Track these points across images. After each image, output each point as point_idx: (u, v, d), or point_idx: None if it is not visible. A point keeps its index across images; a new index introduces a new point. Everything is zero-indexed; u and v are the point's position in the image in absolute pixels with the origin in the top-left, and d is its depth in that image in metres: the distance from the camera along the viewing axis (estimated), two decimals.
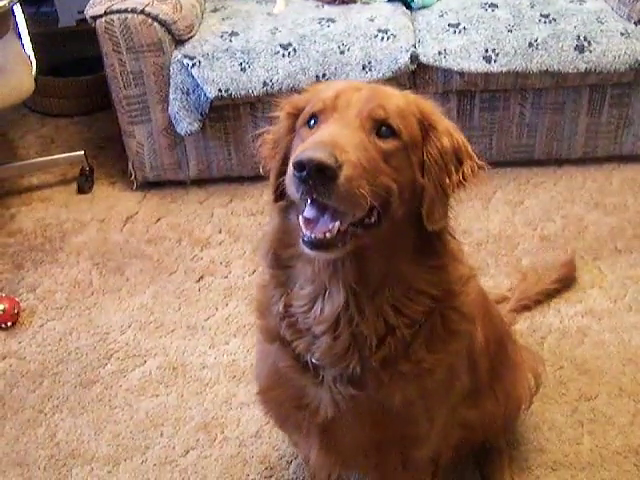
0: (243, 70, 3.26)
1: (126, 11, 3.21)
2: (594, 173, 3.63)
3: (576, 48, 3.25)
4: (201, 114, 3.34)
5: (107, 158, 3.93)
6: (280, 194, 1.52)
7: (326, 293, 1.50)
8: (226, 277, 3.11)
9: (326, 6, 3.60)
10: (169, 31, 3.27)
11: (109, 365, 2.74)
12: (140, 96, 3.39)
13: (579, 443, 2.38)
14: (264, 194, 3.56)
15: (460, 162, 1.51)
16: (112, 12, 3.21)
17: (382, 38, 3.29)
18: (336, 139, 1.32)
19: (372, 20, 3.40)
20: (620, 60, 3.26)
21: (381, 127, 1.40)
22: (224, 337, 2.83)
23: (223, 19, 3.53)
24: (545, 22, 3.32)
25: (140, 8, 3.21)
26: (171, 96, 3.33)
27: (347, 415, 1.65)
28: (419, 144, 1.46)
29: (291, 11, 3.57)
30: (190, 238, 3.34)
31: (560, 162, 3.68)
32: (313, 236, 1.35)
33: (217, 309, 2.96)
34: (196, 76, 3.25)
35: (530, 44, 3.26)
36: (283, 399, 1.74)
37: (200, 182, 3.68)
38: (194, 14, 3.40)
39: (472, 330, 1.73)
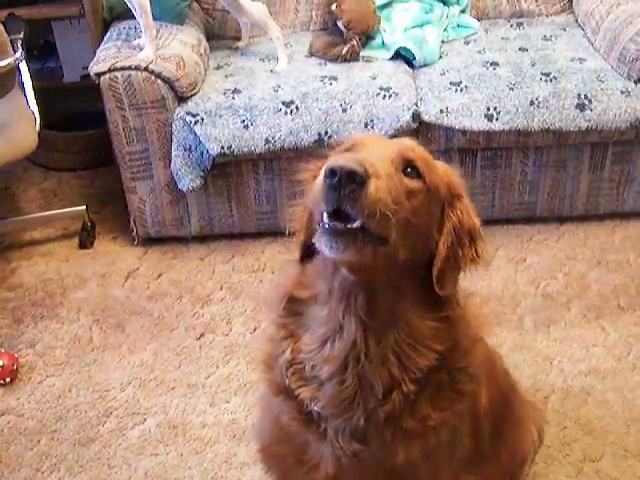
0: (246, 127, 3.28)
1: (130, 68, 3.24)
2: (596, 230, 3.64)
3: (577, 106, 3.28)
4: (203, 171, 3.36)
5: (109, 213, 3.94)
6: (304, 252, 1.59)
7: (337, 333, 1.52)
8: (227, 335, 3.11)
9: (328, 64, 3.63)
10: (172, 88, 3.30)
11: (108, 423, 2.73)
12: (142, 152, 3.41)
13: None
14: (265, 251, 3.59)
15: (473, 240, 1.56)
16: (116, 69, 3.24)
17: (384, 96, 3.32)
18: (367, 158, 1.36)
19: (374, 78, 3.44)
20: (621, 118, 3.28)
21: (407, 167, 1.45)
22: (225, 395, 2.82)
23: (226, 76, 3.57)
24: (546, 80, 3.35)
25: (144, 65, 3.24)
26: (173, 153, 3.35)
27: (349, 473, 1.64)
28: (441, 202, 1.52)
29: (293, 69, 3.60)
30: (191, 295, 3.34)
31: (562, 219, 3.69)
32: (334, 225, 1.34)
33: (218, 367, 2.95)
34: (198, 133, 3.28)
35: (531, 102, 3.29)
36: (285, 455, 1.74)
37: (202, 238, 3.68)
38: (197, 71, 3.44)
39: (477, 392, 1.73)
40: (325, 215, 1.35)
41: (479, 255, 1.57)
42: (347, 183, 1.29)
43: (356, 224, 1.33)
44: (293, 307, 1.60)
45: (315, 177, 1.54)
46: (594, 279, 3.33)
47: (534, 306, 3.18)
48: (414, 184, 1.44)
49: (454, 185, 1.56)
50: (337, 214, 1.34)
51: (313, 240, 1.42)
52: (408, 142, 1.54)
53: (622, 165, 3.52)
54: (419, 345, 1.52)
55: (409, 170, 1.45)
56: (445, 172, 1.56)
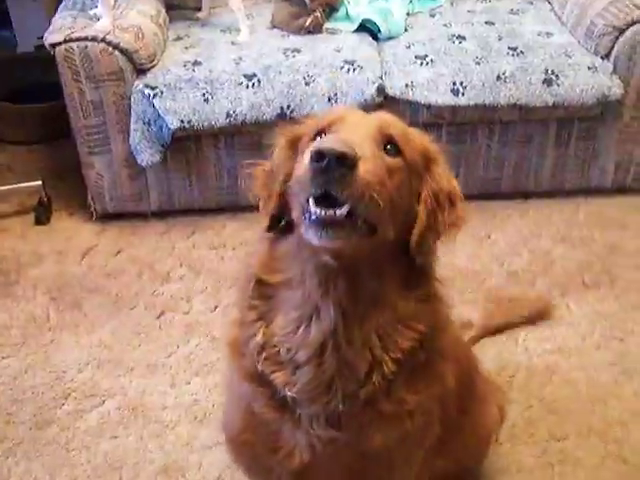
0: (206, 101, 3.22)
1: (86, 39, 3.16)
2: (561, 206, 3.64)
3: (544, 82, 3.27)
4: (162, 145, 3.30)
5: (66, 188, 3.85)
6: (273, 223, 1.54)
7: (313, 316, 1.47)
8: (187, 313, 3.06)
9: (291, 36, 3.58)
10: (130, 60, 3.23)
11: (66, 405, 2.67)
12: (100, 126, 3.34)
13: None
14: (226, 227, 3.54)
15: (453, 204, 1.53)
16: (72, 40, 3.16)
17: (348, 70, 3.28)
18: (352, 138, 1.34)
19: (338, 51, 3.39)
20: (587, 94, 3.28)
21: (387, 144, 1.43)
22: (185, 376, 2.78)
23: (186, 48, 3.50)
24: (513, 55, 3.33)
25: (101, 36, 3.16)
26: (132, 126, 3.28)
27: (323, 460, 1.61)
28: (419, 173, 1.49)
29: (256, 40, 3.55)
30: (150, 272, 3.28)
31: (527, 195, 3.69)
32: (323, 213, 1.30)
33: (178, 346, 2.91)
34: (157, 106, 3.21)
35: (498, 77, 3.27)
36: (256, 443, 1.69)
37: (161, 214, 3.63)
38: (156, 43, 3.36)
39: (446, 372, 1.70)
40: (312, 202, 1.32)
41: (459, 219, 1.53)
42: (336, 166, 1.26)
43: (344, 209, 1.30)
44: (262, 290, 1.55)
45: (287, 142, 1.54)
46: (559, 256, 3.33)
47: (499, 284, 3.17)
48: (395, 161, 1.42)
49: (430, 151, 1.53)
50: (324, 198, 1.30)
51: (299, 227, 1.39)
52: (386, 116, 1.52)
53: (587, 141, 3.53)
54: (402, 326, 1.50)
55: (389, 147, 1.43)
56: (421, 139, 1.53)
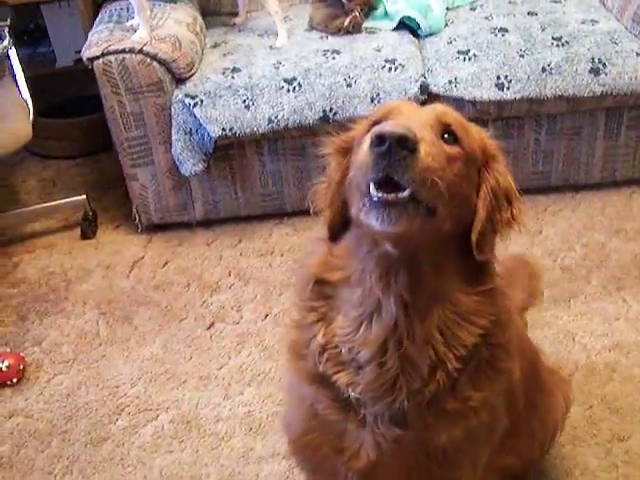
0: (247, 107, 3.21)
1: (124, 51, 3.17)
2: (613, 198, 3.57)
3: (591, 71, 3.20)
4: (205, 154, 3.30)
5: (110, 201, 3.88)
6: (334, 231, 1.55)
7: (375, 313, 1.47)
8: (238, 323, 3.05)
9: (330, 37, 3.55)
10: (169, 70, 3.23)
11: (120, 421, 2.68)
12: (142, 138, 3.34)
13: None
14: (273, 233, 3.54)
15: (510, 202, 1.52)
16: (109, 53, 3.17)
17: (390, 69, 3.25)
18: (410, 123, 1.32)
19: (379, 50, 3.36)
20: (637, 81, 3.21)
21: (445, 133, 1.41)
22: (238, 387, 2.76)
23: (224, 55, 3.49)
24: (557, 45, 3.28)
25: (138, 48, 3.16)
26: (174, 137, 3.28)
27: (389, 459, 1.59)
28: (477, 165, 1.48)
29: (294, 44, 3.53)
30: (199, 282, 3.28)
31: (577, 188, 3.63)
32: (385, 195, 1.29)
33: (230, 357, 2.89)
34: (198, 116, 3.20)
35: (543, 69, 3.21)
36: (320, 444, 1.68)
37: (207, 223, 3.62)
38: (194, 51, 3.36)
39: (513, 368, 1.68)
40: (372, 186, 1.31)
41: (516, 217, 1.52)
42: (397, 150, 1.26)
43: (406, 193, 1.29)
44: (322, 290, 1.55)
45: (340, 151, 1.53)
46: (613, 249, 3.26)
47: (553, 280, 3.11)
48: (453, 150, 1.40)
49: (489, 147, 1.52)
50: (385, 183, 1.30)
51: (359, 216, 1.38)
52: (442, 107, 1.50)
53: (638, 130, 3.46)
54: (464, 321, 1.49)
55: (447, 136, 1.41)
56: (479, 134, 1.52)
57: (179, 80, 3.30)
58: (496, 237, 1.52)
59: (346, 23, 3.53)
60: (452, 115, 1.46)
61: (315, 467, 1.80)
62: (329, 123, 3.23)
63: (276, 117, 3.22)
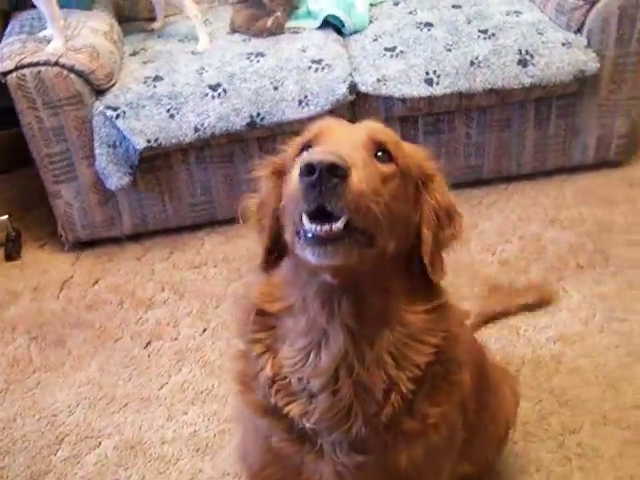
0: (172, 117, 3.14)
1: (38, 64, 3.06)
2: (546, 187, 3.62)
3: (519, 63, 3.22)
4: (131, 167, 3.22)
5: (33, 218, 3.76)
6: (268, 256, 1.53)
7: (322, 342, 1.45)
8: (175, 339, 2.98)
9: (253, 39, 3.50)
10: (87, 82, 3.14)
11: (61, 451, 2.58)
12: (63, 153, 3.24)
13: None
14: (205, 243, 3.49)
15: (452, 220, 1.53)
16: (23, 66, 3.06)
17: (316, 69, 3.22)
18: (341, 148, 1.30)
19: (304, 51, 3.32)
20: (564, 71, 3.25)
21: (378, 151, 1.39)
22: (181, 406, 2.69)
23: (144, 63, 3.41)
24: (484, 38, 3.29)
25: (54, 60, 3.06)
26: (97, 151, 3.19)
27: None
28: (414, 182, 1.47)
29: (216, 48, 3.46)
30: (132, 299, 3.20)
31: (509, 179, 3.66)
32: (319, 229, 1.26)
33: (170, 376, 2.82)
34: (122, 128, 3.12)
35: (472, 62, 3.22)
36: (279, 478, 1.65)
37: (136, 237, 3.55)
38: (113, 61, 3.27)
39: (465, 378, 1.66)
40: (305, 219, 1.27)
41: (458, 233, 1.53)
42: (328, 178, 1.22)
43: (340, 223, 1.26)
44: (264, 321, 1.52)
45: (273, 174, 1.51)
46: (550, 240, 3.30)
47: (492, 274, 3.12)
48: (388, 168, 1.38)
49: (426, 166, 1.50)
50: (318, 213, 1.26)
51: (294, 248, 1.36)
52: (373, 124, 1.48)
53: (567, 119, 3.50)
54: (415, 342, 1.47)
55: (380, 154, 1.39)
56: (414, 152, 1.50)
57: (99, 91, 3.20)
58: (442, 254, 1.52)
59: (269, 24, 3.48)
60: (384, 132, 1.44)
61: None
62: (257, 128, 3.20)
63: (202, 125, 3.16)
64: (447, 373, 1.55)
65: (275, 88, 3.18)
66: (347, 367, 1.43)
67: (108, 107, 3.15)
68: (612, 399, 2.56)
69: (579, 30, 3.31)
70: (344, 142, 1.36)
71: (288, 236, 1.39)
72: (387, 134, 1.44)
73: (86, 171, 3.30)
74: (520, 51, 3.24)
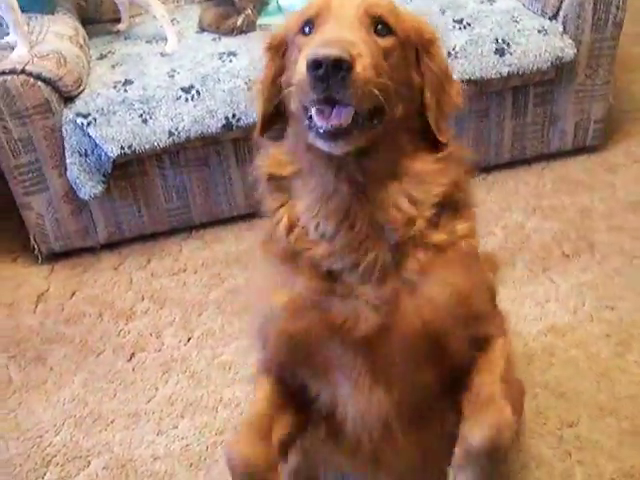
0: (145, 122, 3.08)
1: (4, 73, 2.98)
2: (525, 176, 3.62)
3: (496, 52, 3.20)
4: (104, 175, 3.15)
5: (4, 231, 3.66)
6: (265, 125, 1.62)
7: (331, 193, 1.51)
8: (159, 350, 2.92)
9: (223, 38, 3.44)
10: (55, 89, 3.06)
11: (48, 474, 2.50)
12: (32, 164, 3.16)
13: (571, 475, 2.29)
14: (183, 249, 3.43)
15: (450, 83, 1.62)
16: None
17: None
18: (343, 36, 1.37)
19: None
20: (542, 58, 3.23)
21: (377, 25, 1.45)
22: (171, 420, 2.64)
23: (113, 66, 3.34)
24: (460, 28, 3.26)
25: (20, 68, 2.98)
26: (68, 160, 3.12)
27: (393, 319, 1.54)
28: (413, 47, 1.53)
29: (186, 48, 3.41)
30: (112, 311, 3.13)
31: (489, 169, 3.64)
32: (330, 125, 1.37)
33: (157, 389, 2.76)
34: (93, 135, 3.05)
35: (449, 53, 3.18)
36: (309, 328, 1.58)
37: (112, 245, 3.48)
38: (80, 66, 3.19)
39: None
40: (314, 113, 1.38)
41: (457, 97, 1.63)
42: (334, 72, 1.30)
43: (349, 113, 1.36)
44: (277, 184, 1.59)
45: (273, 48, 1.60)
46: (533, 229, 3.29)
47: None
48: (388, 41, 1.46)
49: (425, 31, 1.56)
50: (326, 100, 1.35)
51: (307, 138, 1.44)
52: None
53: (545, 106, 3.50)
54: (426, 183, 1.53)
55: (379, 27, 1.46)
56: (413, 19, 1.56)
57: (67, 99, 3.13)
58: (447, 119, 1.60)
59: (239, 22, 3.43)
60: (381, 4, 1.48)
61: (308, 359, 1.65)
62: (233, 130, 3.14)
63: (176, 129, 3.10)
64: (463, 204, 1.62)
65: (250, 88, 3.10)
66: (359, 205, 1.50)
67: (78, 114, 3.07)
68: (607, 390, 2.55)
69: (554, 16, 3.29)
70: (343, 22, 1.41)
71: (294, 108, 1.47)
72: (385, 5, 1.49)
73: (57, 181, 3.22)
74: (497, 40, 3.21)
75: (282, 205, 1.59)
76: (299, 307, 1.59)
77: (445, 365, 1.62)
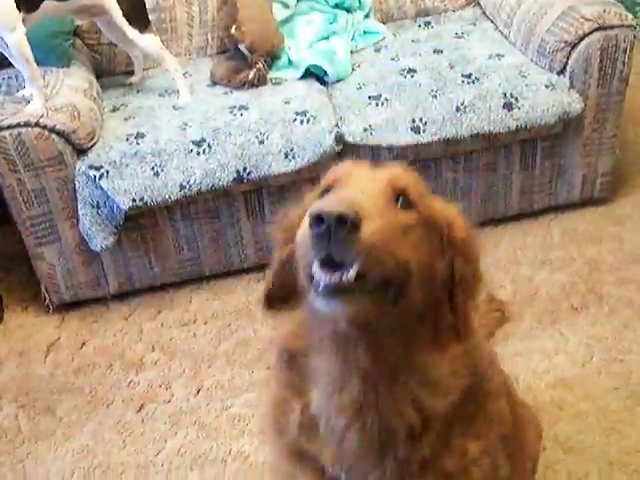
0: (156, 175, 3.12)
1: (19, 125, 3.02)
2: (533, 228, 3.63)
3: (504, 106, 3.24)
4: (115, 227, 3.19)
5: (15, 280, 3.70)
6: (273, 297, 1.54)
7: (343, 381, 1.42)
8: (169, 402, 2.94)
9: (234, 92, 3.49)
10: (69, 142, 3.11)
11: None
12: (45, 215, 3.21)
13: None
14: (193, 300, 3.46)
15: (478, 282, 1.49)
16: (3, 128, 3.02)
17: (302, 121, 3.20)
18: (355, 198, 1.26)
19: (288, 102, 3.32)
20: (549, 113, 3.26)
21: (399, 197, 1.35)
22: (180, 473, 2.65)
23: (125, 119, 3.39)
24: (468, 83, 3.30)
25: (34, 121, 3.03)
26: (80, 211, 3.16)
27: None
28: (439, 233, 1.41)
29: (198, 101, 3.46)
30: (122, 361, 3.16)
31: (497, 222, 3.66)
32: (330, 280, 1.23)
33: (166, 441, 2.78)
34: (105, 188, 3.09)
35: (457, 108, 3.23)
36: None
37: (122, 296, 3.50)
38: (94, 119, 3.24)
39: (502, 407, 1.64)
40: (316, 267, 1.25)
41: (482, 282, 1.50)
42: (337, 229, 1.19)
43: (352, 272, 1.21)
44: (293, 360, 1.50)
45: (286, 234, 1.48)
46: (542, 281, 3.30)
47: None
48: (410, 216, 1.34)
49: (458, 226, 1.46)
50: (329, 261, 1.23)
51: (307, 297, 1.35)
52: (396, 170, 1.43)
53: (552, 159, 3.52)
54: (439, 389, 1.43)
55: (401, 200, 1.35)
56: (443, 207, 1.47)
57: (80, 151, 3.17)
58: (471, 311, 1.48)
59: (251, 76, 3.48)
60: (406, 178, 1.40)
61: None
62: (243, 183, 3.18)
63: (188, 182, 3.13)
64: (482, 408, 1.52)
65: (261, 142, 3.17)
66: (370, 408, 1.42)
67: (91, 167, 3.12)
68: (617, 443, 2.56)
69: (562, 71, 3.34)
70: (361, 189, 1.32)
71: (301, 280, 1.37)
72: (409, 180, 1.40)
73: (69, 232, 3.26)
74: (505, 94, 3.25)
75: (297, 393, 1.51)
76: None
77: None
